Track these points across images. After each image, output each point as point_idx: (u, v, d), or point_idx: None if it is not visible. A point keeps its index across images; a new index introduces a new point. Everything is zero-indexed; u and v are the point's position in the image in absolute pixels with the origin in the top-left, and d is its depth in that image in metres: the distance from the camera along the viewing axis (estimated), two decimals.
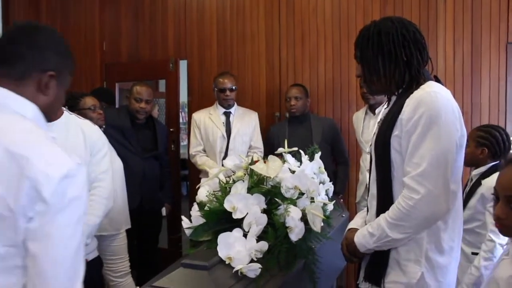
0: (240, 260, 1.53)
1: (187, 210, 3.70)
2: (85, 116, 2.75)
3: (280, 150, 2.14)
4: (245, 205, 1.67)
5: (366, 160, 3.16)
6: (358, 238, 1.58)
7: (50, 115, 1.16)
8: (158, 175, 3.52)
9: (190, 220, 1.83)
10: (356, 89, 3.66)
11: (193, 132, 3.69)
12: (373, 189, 1.62)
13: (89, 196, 2.15)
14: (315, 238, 1.82)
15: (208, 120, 3.63)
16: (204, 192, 1.90)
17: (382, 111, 2.94)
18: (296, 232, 1.68)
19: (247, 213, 1.65)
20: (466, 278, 2.15)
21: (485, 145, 2.29)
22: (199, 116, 3.67)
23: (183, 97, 4.36)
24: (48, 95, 1.13)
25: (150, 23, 4.40)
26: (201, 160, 3.58)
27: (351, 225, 1.76)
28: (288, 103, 3.51)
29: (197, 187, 2.04)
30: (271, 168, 1.80)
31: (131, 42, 4.49)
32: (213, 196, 1.85)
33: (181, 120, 4.42)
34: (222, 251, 1.55)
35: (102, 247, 2.72)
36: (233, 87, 3.58)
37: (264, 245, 1.60)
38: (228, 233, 1.59)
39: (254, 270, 1.52)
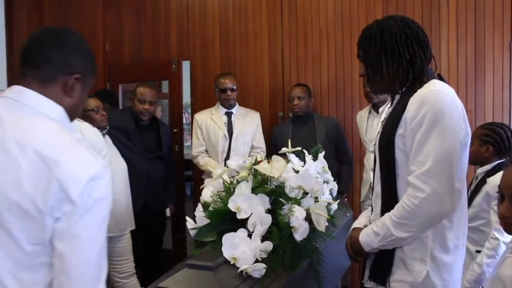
0: (245, 260, 1.54)
1: (191, 210, 3.70)
2: (88, 117, 2.76)
3: (283, 150, 2.14)
4: (249, 205, 1.67)
5: (370, 159, 3.15)
6: (363, 237, 1.58)
7: (74, 116, 1.20)
8: (162, 176, 3.52)
9: (195, 221, 1.83)
10: (359, 88, 3.66)
11: (195, 133, 3.69)
12: (378, 188, 1.62)
13: None
14: (320, 238, 1.83)
15: (209, 120, 3.63)
16: (208, 192, 1.90)
17: (385, 110, 2.94)
18: (300, 232, 1.69)
19: (252, 213, 1.65)
20: (468, 274, 2.15)
21: (490, 143, 2.29)
22: (201, 117, 3.68)
23: (186, 97, 4.36)
24: (73, 97, 1.17)
25: (153, 24, 4.41)
26: (203, 161, 3.59)
27: (356, 224, 1.76)
28: (291, 103, 3.51)
29: (201, 187, 2.05)
30: (275, 168, 1.80)
31: (134, 43, 4.49)
32: (217, 196, 1.86)
33: (184, 121, 4.42)
34: (227, 252, 1.56)
35: (107, 248, 2.72)
36: (234, 87, 3.58)
37: (268, 245, 1.60)
38: (232, 233, 1.60)
39: (259, 270, 1.53)
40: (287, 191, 1.77)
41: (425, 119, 1.42)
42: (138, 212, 3.04)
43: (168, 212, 3.63)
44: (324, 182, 2.18)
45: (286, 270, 1.65)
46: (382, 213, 1.55)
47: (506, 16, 3.28)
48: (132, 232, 2.91)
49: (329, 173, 2.28)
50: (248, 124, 3.63)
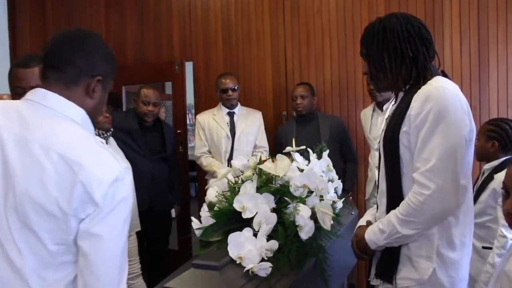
0: (251, 259, 1.54)
1: (196, 211, 3.70)
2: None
3: (288, 149, 2.14)
4: (254, 204, 1.67)
5: (374, 157, 3.15)
6: (368, 235, 1.57)
7: (94, 117, 1.23)
8: (166, 177, 3.53)
9: (200, 221, 1.83)
10: (362, 87, 3.65)
11: (197, 133, 3.70)
12: (383, 186, 1.61)
13: None
14: (325, 236, 1.82)
15: (212, 121, 3.63)
16: (213, 192, 1.90)
17: (389, 107, 2.93)
18: (306, 231, 1.68)
19: (257, 213, 1.65)
20: (483, 276, 2.14)
21: (495, 138, 2.28)
22: (203, 118, 3.68)
23: (190, 98, 4.36)
24: (95, 99, 1.20)
25: (155, 25, 4.42)
26: (206, 161, 3.59)
27: (361, 222, 1.76)
28: (294, 102, 3.51)
29: (206, 187, 2.05)
30: (280, 167, 1.80)
31: (136, 44, 4.51)
32: (222, 196, 1.86)
33: (188, 122, 4.42)
34: (233, 251, 1.56)
35: None
36: (235, 87, 3.59)
37: (274, 244, 1.60)
38: (238, 232, 1.60)
39: (265, 269, 1.53)
40: (292, 190, 1.77)
41: (429, 116, 1.42)
42: (143, 213, 3.04)
43: (173, 213, 3.64)
44: (328, 180, 2.17)
45: (292, 269, 1.65)
46: (388, 211, 1.55)
47: (509, 12, 3.27)
48: (137, 233, 2.91)
49: (334, 171, 2.27)
50: (251, 124, 3.63)
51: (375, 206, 1.75)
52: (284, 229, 1.66)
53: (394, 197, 1.54)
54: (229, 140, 3.57)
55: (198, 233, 1.80)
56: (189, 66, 4.26)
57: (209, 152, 3.65)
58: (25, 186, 1.03)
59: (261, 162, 1.86)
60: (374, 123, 3.24)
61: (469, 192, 1.53)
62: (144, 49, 4.48)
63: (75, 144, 1.07)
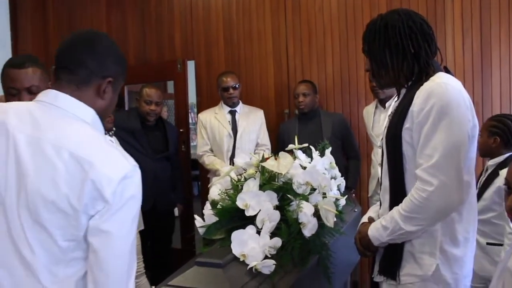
0: (254, 257, 1.54)
1: (199, 209, 3.70)
2: None
3: (290, 146, 2.14)
4: (257, 202, 1.67)
5: (377, 154, 3.15)
6: (371, 232, 1.57)
7: (104, 117, 1.25)
8: (169, 176, 3.54)
9: (203, 219, 1.84)
10: (364, 84, 3.65)
11: (199, 132, 3.70)
12: (386, 183, 1.61)
13: None
14: (328, 234, 1.82)
15: (213, 119, 3.64)
16: (216, 190, 1.90)
17: (392, 104, 2.93)
18: (309, 228, 1.68)
19: (260, 210, 1.65)
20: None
21: (497, 133, 2.27)
22: (205, 116, 3.69)
23: (192, 97, 4.37)
24: (105, 100, 1.22)
25: (157, 25, 4.42)
26: (208, 160, 3.60)
27: (364, 219, 1.76)
28: (296, 100, 3.51)
29: (209, 186, 2.05)
30: (282, 165, 1.80)
31: (138, 44, 4.51)
32: (225, 194, 1.86)
33: (190, 121, 4.43)
34: (236, 249, 1.56)
35: None
36: (236, 85, 3.59)
37: (277, 242, 1.60)
38: (241, 230, 1.60)
39: (268, 266, 1.53)
40: (294, 187, 1.76)
41: (432, 112, 1.42)
42: (146, 212, 3.05)
43: (176, 211, 3.64)
44: (331, 178, 2.17)
45: (296, 266, 1.65)
46: (391, 207, 1.55)
47: None
48: (141, 232, 2.92)
49: (337, 168, 2.27)
50: (252, 122, 3.63)
51: (378, 203, 1.74)
52: (287, 227, 1.66)
53: (397, 194, 1.54)
54: (231, 139, 3.57)
55: (201, 231, 1.80)
56: (191, 65, 4.27)
57: (211, 150, 3.66)
58: (37, 184, 1.05)
59: (263, 160, 1.87)
60: (376, 120, 3.24)
61: (472, 188, 1.53)
62: (146, 49, 4.48)
63: (85, 144, 1.10)
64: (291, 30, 3.91)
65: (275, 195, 1.72)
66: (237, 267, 1.53)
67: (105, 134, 2.74)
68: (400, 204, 1.49)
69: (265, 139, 3.67)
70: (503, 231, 2.15)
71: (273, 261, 1.53)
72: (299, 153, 2.09)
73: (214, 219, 1.77)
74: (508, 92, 3.31)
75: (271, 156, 1.89)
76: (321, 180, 1.81)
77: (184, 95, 4.26)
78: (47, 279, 1.08)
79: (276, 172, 1.82)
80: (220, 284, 1.44)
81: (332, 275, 1.76)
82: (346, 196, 2.20)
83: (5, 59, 1.90)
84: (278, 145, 3.51)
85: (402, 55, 1.53)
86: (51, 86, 1.19)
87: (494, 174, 2.25)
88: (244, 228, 1.62)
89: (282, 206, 1.72)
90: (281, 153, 1.86)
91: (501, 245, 2.18)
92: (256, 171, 1.86)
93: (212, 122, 3.63)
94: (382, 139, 1.67)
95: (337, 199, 2.04)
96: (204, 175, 4.02)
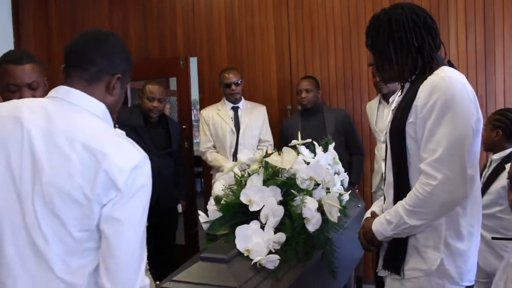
0: (259, 252, 1.54)
1: (202, 206, 3.71)
2: None
3: (294, 142, 2.14)
4: (261, 197, 1.67)
5: (381, 150, 3.14)
6: (375, 226, 1.57)
7: (113, 112, 1.29)
8: (172, 172, 3.54)
9: (207, 215, 1.84)
10: (367, 79, 3.64)
11: (202, 129, 3.70)
12: (389, 177, 1.61)
13: None
14: (332, 229, 1.83)
15: (216, 116, 3.63)
16: (220, 186, 1.91)
17: (395, 99, 2.92)
18: (313, 223, 1.69)
19: (264, 205, 1.66)
20: None
21: (500, 127, 2.27)
22: (207, 113, 3.68)
23: (195, 94, 4.36)
24: (114, 95, 1.27)
25: (159, 22, 4.41)
26: (211, 156, 3.60)
27: (368, 214, 1.75)
28: (299, 95, 3.50)
29: (212, 181, 2.05)
30: (286, 160, 1.80)
31: (140, 41, 4.50)
32: (229, 190, 1.86)
33: (193, 118, 4.43)
34: (240, 244, 1.56)
35: None
36: (239, 81, 3.58)
37: (282, 237, 1.61)
38: (245, 225, 1.60)
39: (272, 261, 1.53)
40: (298, 182, 1.77)
41: (435, 106, 1.41)
42: (150, 208, 3.04)
43: (180, 208, 3.65)
44: (335, 173, 2.17)
45: (300, 261, 1.65)
46: (395, 202, 1.55)
47: None
48: None
49: (340, 164, 2.27)
50: (255, 118, 3.63)
51: (382, 197, 1.74)
52: (291, 222, 1.66)
53: (401, 188, 1.53)
54: (234, 135, 3.57)
55: (205, 226, 1.81)
56: (193, 62, 4.26)
57: (214, 147, 3.65)
58: (52, 176, 1.09)
59: (267, 155, 1.87)
60: (380, 116, 3.23)
61: (476, 182, 1.53)
62: (148, 46, 4.47)
63: (97, 136, 1.13)
64: (293, 26, 3.90)
65: (279, 190, 1.72)
66: (241, 262, 1.53)
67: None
68: (404, 199, 1.49)
69: (268, 135, 3.67)
70: (509, 225, 2.14)
71: (277, 256, 1.53)
72: (303, 149, 2.09)
73: (218, 214, 1.78)
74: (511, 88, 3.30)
75: (275, 152, 1.89)
76: (324, 175, 1.81)
77: (186, 91, 4.25)
78: (61, 269, 1.11)
79: (279, 168, 1.82)
80: (225, 279, 1.45)
81: (336, 270, 1.76)
82: (350, 191, 2.20)
83: None
84: (281, 141, 3.51)
85: (406, 49, 1.53)
86: (64, 83, 1.23)
87: (500, 168, 2.24)
88: (248, 223, 1.62)
89: (286, 201, 1.72)
90: (285, 149, 1.86)
91: (506, 239, 2.17)
92: (260, 167, 1.86)
93: (214, 118, 3.63)
94: (385, 133, 1.67)
95: (340, 194, 2.04)
96: (207, 171, 4.02)
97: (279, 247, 1.60)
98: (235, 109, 3.65)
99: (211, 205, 1.84)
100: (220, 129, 3.59)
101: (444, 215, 1.46)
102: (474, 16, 3.35)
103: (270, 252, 1.56)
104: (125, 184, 1.10)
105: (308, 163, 1.92)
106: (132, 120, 3.36)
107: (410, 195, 1.47)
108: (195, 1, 4.25)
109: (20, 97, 1.77)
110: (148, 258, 3.00)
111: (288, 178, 1.82)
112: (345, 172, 2.30)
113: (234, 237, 1.58)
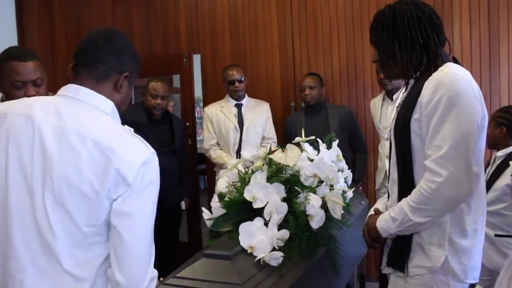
0: (262, 249, 1.54)
1: (205, 203, 3.71)
2: None
3: (297, 139, 2.13)
4: (265, 194, 1.67)
5: (384, 147, 3.13)
6: (380, 223, 1.57)
7: (121, 109, 1.32)
8: (176, 169, 3.54)
9: (211, 212, 1.84)
10: (371, 76, 3.63)
11: (205, 126, 3.70)
12: (394, 174, 1.60)
13: None
14: (336, 226, 1.82)
15: (220, 113, 3.63)
16: (223, 183, 1.91)
17: (400, 96, 2.91)
18: (316, 220, 1.68)
19: (267, 202, 1.65)
20: None
21: (503, 124, 2.26)
22: (211, 110, 3.68)
23: (198, 91, 4.36)
24: (122, 93, 1.30)
25: (162, 19, 4.41)
26: (215, 154, 3.60)
27: (372, 211, 1.75)
28: (302, 92, 3.49)
29: (216, 178, 2.05)
30: (290, 157, 1.80)
31: (144, 38, 4.50)
32: (232, 186, 1.86)
33: (196, 115, 4.43)
34: (244, 241, 1.56)
35: None
36: (242, 78, 3.58)
37: (285, 234, 1.60)
38: (249, 222, 1.60)
39: (276, 258, 1.53)
40: (302, 179, 1.76)
41: (440, 103, 1.40)
42: None
43: (183, 205, 3.65)
44: (338, 170, 2.16)
45: (303, 258, 1.65)
46: (399, 199, 1.54)
47: None
48: None
49: (344, 161, 2.26)
50: (259, 115, 3.62)
51: (386, 195, 1.74)
52: (295, 219, 1.66)
53: (406, 185, 1.53)
54: (237, 132, 3.57)
55: (208, 223, 1.80)
56: (196, 59, 4.26)
57: (218, 144, 3.65)
58: (62, 170, 1.12)
59: (271, 152, 1.86)
60: (384, 113, 3.23)
61: (481, 179, 1.52)
62: (151, 43, 4.47)
63: (107, 132, 1.16)
64: (296, 23, 3.89)
65: (282, 187, 1.72)
66: (245, 259, 1.53)
67: None
68: (409, 196, 1.48)
69: (271, 132, 3.66)
70: None
71: (280, 253, 1.53)
72: (306, 146, 2.09)
73: (222, 211, 1.77)
74: None
75: (278, 149, 1.89)
76: (328, 172, 1.81)
77: (190, 88, 4.25)
78: (69, 263, 1.13)
79: (283, 165, 1.81)
80: (228, 276, 1.45)
81: (339, 267, 1.76)
82: (353, 188, 2.19)
83: None
84: (285, 138, 3.51)
85: (411, 46, 1.52)
86: (73, 81, 1.25)
87: (504, 165, 2.23)
88: (251, 220, 1.62)
89: (289, 198, 1.72)
90: (289, 145, 1.85)
91: (510, 236, 2.16)
92: (264, 164, 1.86)
93: (218, 115, 3.63)
94: (390, 130, 1.66)
95: (344, 192, 2.04)
96: (210, 169, 4.02)
97: (282, 244, 1.60)
98: (238, 106, 3.64)
99: (215, 202, 1.84)
100: (224, 126, 3.59)
101: (449, 212, 1.46)
102: (479, 15, 3.33)
103: (273, 249, 1.56)
104: (135, 180, 1.12)
105: (311, 160, 1.91)
106: (135, 117, 3.36)
107: (415, 192, 1.46)
108: None
109: (25, 93, 1.79)
110: None
111: (292, 175, 1.82)
112: (348, 169, 2.30)
113: (238, 234, 1.58)
